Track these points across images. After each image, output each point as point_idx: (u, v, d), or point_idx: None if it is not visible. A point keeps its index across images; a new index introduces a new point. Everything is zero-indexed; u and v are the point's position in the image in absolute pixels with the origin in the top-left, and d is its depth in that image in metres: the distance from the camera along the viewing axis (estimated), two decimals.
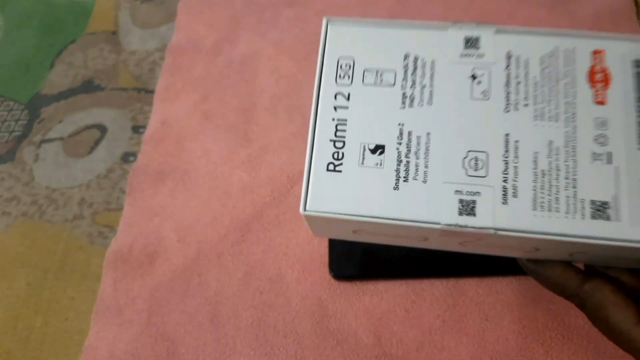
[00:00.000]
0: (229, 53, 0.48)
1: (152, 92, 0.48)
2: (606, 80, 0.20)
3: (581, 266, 0.23)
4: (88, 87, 0.50)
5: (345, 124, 0.21)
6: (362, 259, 0.36)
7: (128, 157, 0.45)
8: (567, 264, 0.22)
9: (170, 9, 0.53)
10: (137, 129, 0.46)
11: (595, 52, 0.21)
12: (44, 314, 0.38)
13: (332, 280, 0.36)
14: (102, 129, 0.47)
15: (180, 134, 0.44)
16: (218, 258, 0.38)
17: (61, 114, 0.48)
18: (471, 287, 0.34)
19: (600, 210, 0.19)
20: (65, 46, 0.53)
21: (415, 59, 0.22)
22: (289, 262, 0.37)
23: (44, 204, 0.43)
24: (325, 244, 0.37)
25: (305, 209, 0.21)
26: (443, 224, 0.19)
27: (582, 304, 0.22)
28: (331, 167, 0.21)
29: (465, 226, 0.19)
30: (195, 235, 0.39)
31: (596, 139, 0.20)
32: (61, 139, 0.47)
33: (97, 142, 0.46)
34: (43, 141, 0.47)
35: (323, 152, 0.21)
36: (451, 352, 0.33)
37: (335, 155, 0.21)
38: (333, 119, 0.21)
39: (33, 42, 0.54)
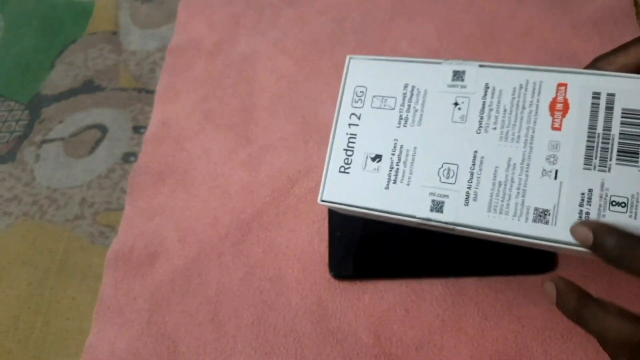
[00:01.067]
0: (229, 53, 0.49)
1: (152, 92, 0.48)
2: (565, 110, 0.24)
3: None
4: (88, 87, 0.50)
5: (355, 138, 0.27)
6: (362, 258, 0.36)
7: (129, 157, 0.45)
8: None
9: (171, 9, 0.53)
10: (138, 129, 0.46)
11: (560, 85, 0.25)
12: (44, 314, 0.39)
13: (332, 280, 0.36)
14: (102, 129, 0.47)
15: (180, 134, 0.45)
16: (218, 258, 0.38)
17: (62, 114, 0.49)
18: (470, 287, 0.35)
19: (541, 215, 0.23)
20: (66, 46, 0.53)
21: (413, 88, 0.27)
22: (289, 261, 0.37)
23: (44, 204, 0.44)
24: (325, 244, 0.37)
25: (321, 200, 0.27)
26: (417, 218, 0.25)
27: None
28: (342, 169, 0.27)
29: (434, 220, 0.25)
30: (195, 235, 0.39)
31: (547, 158, 0.24)
32: (62, 139, 0.47)
33: (97, 142, 0.46)
34: (44, 141, 0.47)
35: (338, 158, 0.27)
36: (450, 352, 0.33)
37: (346, 161, 0.27)
38: (347, 134, 0.27)
39: (33, 43, 0.54)
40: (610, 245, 0.21)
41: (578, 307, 0.23)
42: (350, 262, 0.36)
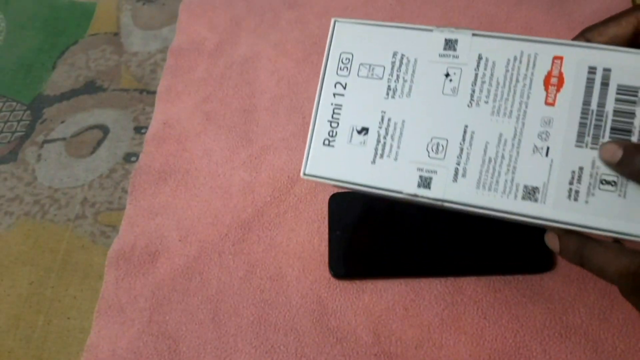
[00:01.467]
0: (230, 55, 0.49)
1: (153, 93, 0.48)
2: (559, 84, 0.24)
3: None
4: (90, 88, 0.50)
5: (340, 109, 0.26)
6: (361, 257, 0.36)
7: (130, 158, 0.45)
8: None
9: (172, 10, 0.54)
10: (139, 129, 0.47)
11: (555, 58, 0.24)
12: (46, 313, 0.39)
13: (332, 279, 0.36)
14: (104, 130, 0.47)
15: (181, 134, 0.45)
16: (219, 257, 0.38)
17: (63, 114, 0.49)
18: (469, 286, 0.35)
19: (531, 193, 0.23)
20: (67, 47, 0.53)
21: (402, 57, 0.26)
22: (289, 260, 0.38)
23: (46, 204, 0.44)
24: (325, 243, 0.38)
25: (304, 174, 0.26)
26: (404, 193, 0.24)
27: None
28: (326, 142, 0.26)
29: (422, 196, 0.24)
30: (196, 234, 0.40)
31: (539, 135, 0.23)
32: (63, 139, 0.47)
33: (99, 143, 0.47)
34: (45, 141, 0.47)
35: (321, 130, 0.26)
36: (450, 350, 0.33)
37: (330, 133, 0.26)
38: (332, 104, 0.26)
39: (35, 44, 0.54)
40: (639, 162, 0.21)
41: (580, 249, 0.24)
42: (349, 261, 0.36)
